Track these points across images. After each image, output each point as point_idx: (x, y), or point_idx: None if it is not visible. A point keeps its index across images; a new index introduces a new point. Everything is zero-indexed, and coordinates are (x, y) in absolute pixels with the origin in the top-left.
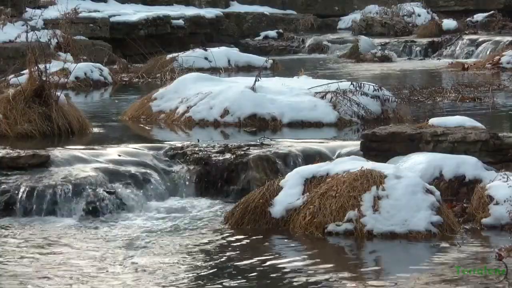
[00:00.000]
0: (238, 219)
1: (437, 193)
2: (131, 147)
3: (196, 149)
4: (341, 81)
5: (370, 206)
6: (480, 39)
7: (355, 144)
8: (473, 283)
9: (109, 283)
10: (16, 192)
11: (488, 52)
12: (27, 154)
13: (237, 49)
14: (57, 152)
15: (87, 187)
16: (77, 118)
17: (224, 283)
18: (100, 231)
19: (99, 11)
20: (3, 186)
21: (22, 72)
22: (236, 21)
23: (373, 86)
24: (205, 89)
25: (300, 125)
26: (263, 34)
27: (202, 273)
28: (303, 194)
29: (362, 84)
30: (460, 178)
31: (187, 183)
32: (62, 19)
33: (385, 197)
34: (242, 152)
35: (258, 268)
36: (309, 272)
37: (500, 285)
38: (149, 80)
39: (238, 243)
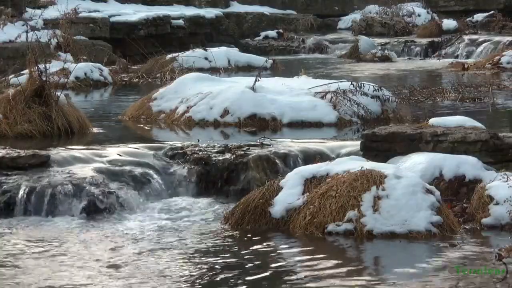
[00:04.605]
0: (238, 219)
1: (437, 193)
2: (131, 147)
3: (196, 149)
4: (341, 81)
5: (370, 206)
6: (480, 39)
7: (355, 144)
8: (473, 283)
9: (109, 283)
10: (16, 192)
11: (488, 52)
12: (27, 154)
13: (237, 49)
14: (57, 152)
15: (87, 187)
16: (77, 118)
17: (224, 283)
18: (100, 231)
19: (99, 11)
20: (3, 186)
21: (22, 72)
22: (236, 21)
23: (373, 86)
24: (205, 89)
25: (300, 125)
26: (263, 34)
27: (202, 273)
28: (303, 194)
29: (362, 84)
30: (460, 178)
31: (187, 183)
32: (62, 19)
33: (385, 197)
34: (242, 152)
35: (258, 268)
36: (309, 272)
37: (500, 285)
38: (149, 80)
39: (238, 243)
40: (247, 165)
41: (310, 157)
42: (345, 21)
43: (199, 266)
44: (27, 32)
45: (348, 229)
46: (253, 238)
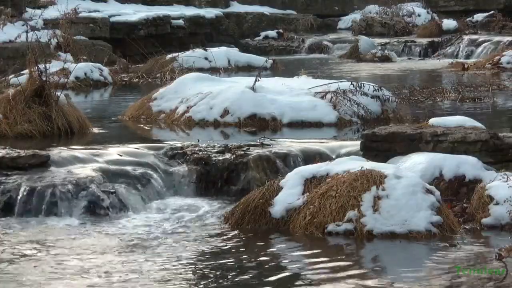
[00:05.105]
0: (238, 219)
1: (437, 193)
2: (131, 147)
3: (196, 149)
4: (341, 81)
5: (370, 206)
6: (480, 39)
7: (355, 144)
8: (473, 283)
9: (109, 283)
10: (16, 192)
11: (488, 52)
12: (27, 154)
13: (237, 49)
14: (57, 152)
15: (87, 187)
16: (77, 118)
17: (223, 283)
18: (100, 231)
19: (99, 11)
20: (3, 186)
21: (22, 72)
22: (236, 21)
23: (373, 86)
24: (205, 89)
25: (300, 125)
26: (263, 34)
27: (202, 273)
28: (303, 194)
29: (362, 84)
30: (460, 178)
31: (187, 183)
32: (62, 19)
33: (385, 197)
34: (242, 152)
35: (258, 268)
36: (309, 272)
37: (500, 285)
38: (149, 80)
39: (238, 243)
40: (247, 165)
41: (310, 157)
42: (345, 21)
43: (199, 266)
44: (27, 32)
45: (348, 229)
46: (253, 238)
